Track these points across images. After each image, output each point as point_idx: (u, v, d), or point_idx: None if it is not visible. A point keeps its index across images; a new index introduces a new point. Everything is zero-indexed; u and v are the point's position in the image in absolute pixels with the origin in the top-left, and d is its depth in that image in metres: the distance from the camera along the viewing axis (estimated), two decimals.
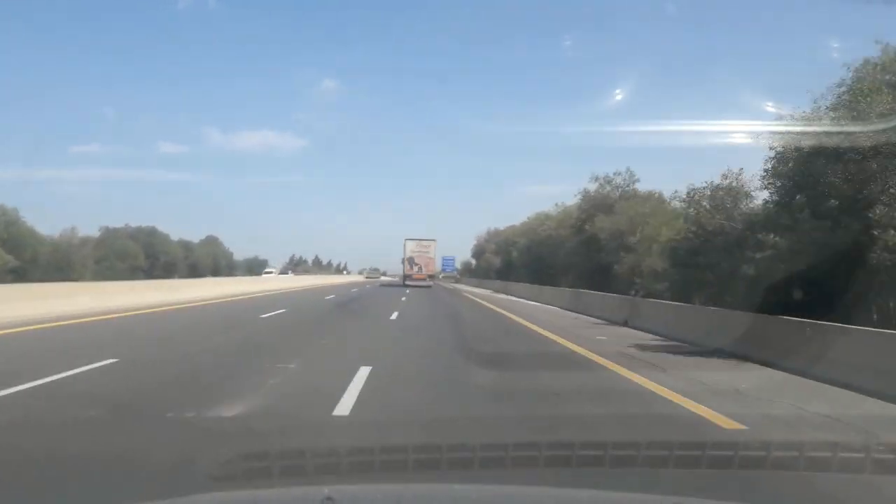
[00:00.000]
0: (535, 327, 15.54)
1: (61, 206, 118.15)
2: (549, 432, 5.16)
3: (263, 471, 3.59)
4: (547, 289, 29.86)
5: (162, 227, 70.30)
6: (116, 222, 67.29)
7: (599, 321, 17.53)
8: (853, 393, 7.22)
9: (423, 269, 47.49)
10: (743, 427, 5.42)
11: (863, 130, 9.79)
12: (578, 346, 11.46)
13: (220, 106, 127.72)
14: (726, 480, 3.88)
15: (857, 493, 3.85)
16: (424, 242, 48.37)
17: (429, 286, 44.57)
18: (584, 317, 19.23)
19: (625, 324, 15.92)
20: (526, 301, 29.00)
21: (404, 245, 48.22)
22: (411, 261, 47.47)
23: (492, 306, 24.90)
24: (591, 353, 10.36)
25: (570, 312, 21.16)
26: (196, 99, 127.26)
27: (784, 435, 5.33)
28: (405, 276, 47.89)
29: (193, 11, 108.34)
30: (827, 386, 7.68)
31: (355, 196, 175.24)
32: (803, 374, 8.33)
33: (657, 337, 13.30)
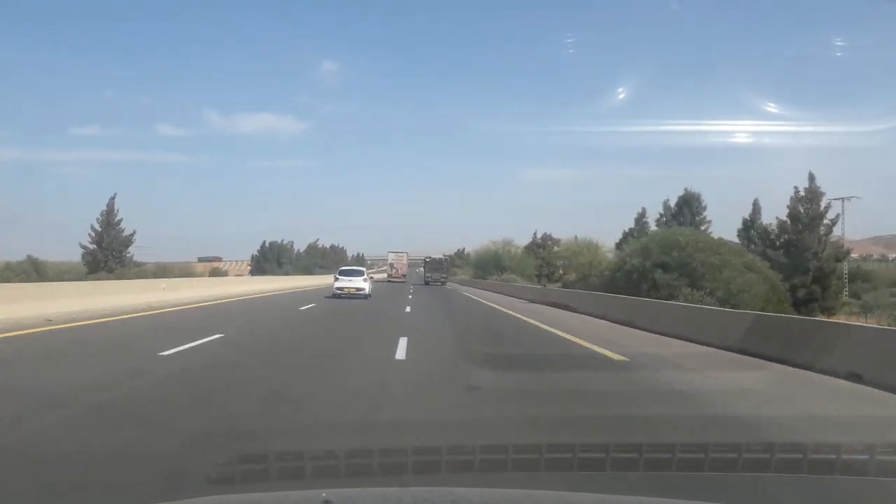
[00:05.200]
0: None
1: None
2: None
3: (261, 473, 3.55)
4: None
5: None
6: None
7: None
8: None
9: (399, 271, 70.21)
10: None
11: None
12: None
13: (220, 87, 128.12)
14: (729, 483, 3.85)
15: (861, 495, 3.81)
16: (400, 254, 72.83)
17: (403, 282, 63.13)
18: None
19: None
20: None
21: (388, 256, 73.91)
22: (392, 266, 71.66)
23: None
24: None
25: None
26: (196, 80, 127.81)
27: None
28: (389, 276, 68.98)
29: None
30: None
31: (355, 186, 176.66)
32: None
33: None
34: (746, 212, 40.25)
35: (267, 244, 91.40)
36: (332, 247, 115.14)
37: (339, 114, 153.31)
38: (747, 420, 5.68)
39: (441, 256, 67.90)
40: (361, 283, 28.11)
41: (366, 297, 27.06)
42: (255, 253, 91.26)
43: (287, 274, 68.80)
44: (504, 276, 59.35)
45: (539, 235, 72.03)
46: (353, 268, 35.18)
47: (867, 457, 4.12)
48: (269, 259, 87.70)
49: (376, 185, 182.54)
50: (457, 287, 56.49)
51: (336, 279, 28.85)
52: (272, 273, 73.19)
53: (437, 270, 63.38)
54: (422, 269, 69.91)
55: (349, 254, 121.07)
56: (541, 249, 69.30)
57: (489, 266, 68.08)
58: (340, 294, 27.02)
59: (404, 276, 70.02)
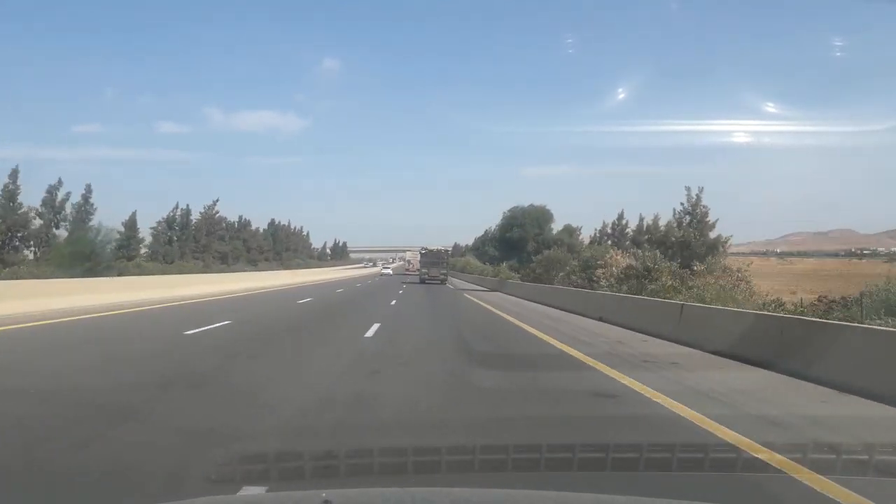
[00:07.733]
0: None
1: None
2: None
3: (261, 473, 3.58)
4: None
5: None
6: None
7: None
8: None
9: (413, 266, 78.89)
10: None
11: None
12: None
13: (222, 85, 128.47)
14: (728, 484, 3.85)
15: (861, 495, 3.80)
16: (413, 252, 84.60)
17: (415, 274, 65.53)
18: None
19: None
20: None
21: (404, 254, 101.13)
22: (408, 262, 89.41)
23: None
24: None
25: None
26: (198, 79, 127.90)
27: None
28: (405, 271, 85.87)
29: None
30: None
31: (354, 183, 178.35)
32: None
33: None
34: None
35: None
36: (277, 224, 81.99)
37: (339, 111, 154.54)
38: None
39: (440, 248, 56.56)
40: (390, 272, 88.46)
41: (391, 275, 77.46)
42: None
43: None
44: None
45: None
46: (386, 265, 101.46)
47: (867, 457, 4.11)
48: None
49: (372, 181, 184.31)
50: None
51: (382, 268, 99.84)
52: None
53: (436, 265, 53.22)
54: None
55: (322, 242, 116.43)
56: None
57: None
58: (383, 275, 78.93)
59: (418, 270, 71.06)
